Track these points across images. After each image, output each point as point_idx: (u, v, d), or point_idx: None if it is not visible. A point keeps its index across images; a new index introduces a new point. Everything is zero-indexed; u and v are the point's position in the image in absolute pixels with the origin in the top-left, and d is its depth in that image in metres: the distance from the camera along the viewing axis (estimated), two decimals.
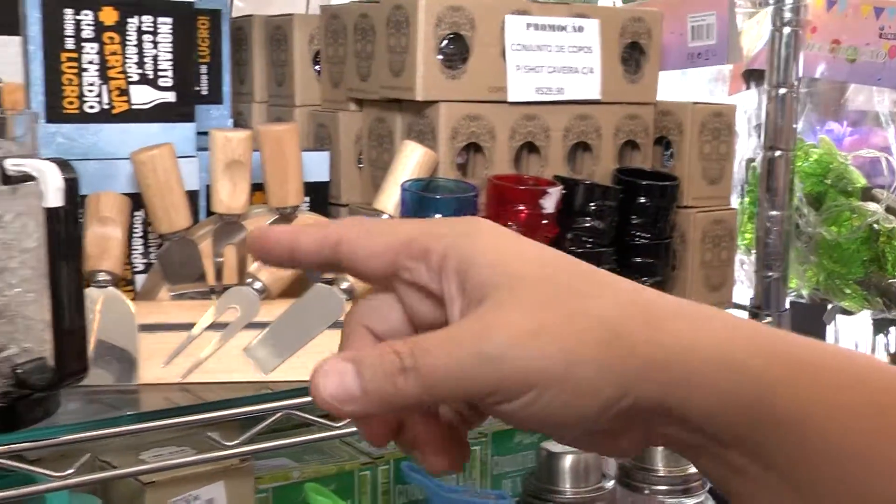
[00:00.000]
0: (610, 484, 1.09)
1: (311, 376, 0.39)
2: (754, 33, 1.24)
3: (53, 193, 0.68)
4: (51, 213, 0.68)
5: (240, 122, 1.21)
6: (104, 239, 0.85)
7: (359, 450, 1.05)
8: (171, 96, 0.93)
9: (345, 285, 0.87)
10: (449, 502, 1.01)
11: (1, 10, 0.83)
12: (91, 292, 0.82)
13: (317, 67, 1.15)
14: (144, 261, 0.93)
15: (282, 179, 0.90)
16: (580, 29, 1.03)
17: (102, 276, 0.84)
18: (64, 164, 0.68)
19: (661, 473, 1.10)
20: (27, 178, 0.69)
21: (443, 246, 0.41)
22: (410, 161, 0.95)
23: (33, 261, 0.72)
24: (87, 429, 0.73)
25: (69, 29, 0.87)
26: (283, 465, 0.99)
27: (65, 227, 0.68)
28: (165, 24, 0.91)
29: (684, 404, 0.39)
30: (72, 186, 0.68)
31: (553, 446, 1.07)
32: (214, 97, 1.13)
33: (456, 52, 0.98)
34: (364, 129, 1.07)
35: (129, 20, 0.89)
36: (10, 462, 0.70)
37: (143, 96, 0.91)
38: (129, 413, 0.77)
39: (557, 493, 1.06)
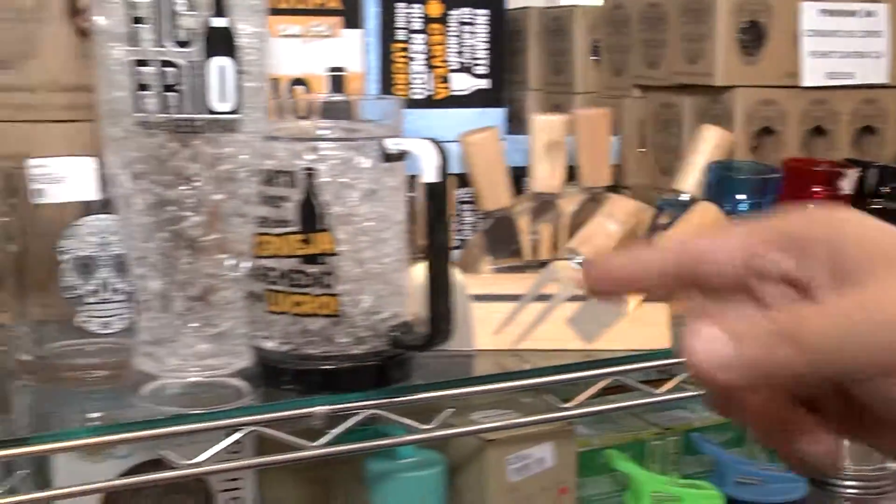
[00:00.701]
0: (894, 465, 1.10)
1: (683, 341, 0.37)
2: None
3: (431, 170, 0.74)
4: (428, 188, 0.74)
5: (514, 109, 1.26)
6: None
7: (647, 420, 1.10)
8: (485, 83, 0.99)
9: None
10: (740, 473, 1.04)
11: (348, 6, 0.91)
12: None
13: (593, 57, 1.20)
14: (458, 237, 0.99)
15: (595, 161, 0.95)
16: (870, 14, 1.05)
17: None
18: (438, 144, 0.74)
19: None
20: (400, 156, 0.76)
21: (810, 233, 0.39)
22: (709, 144, 0.98)
23: (402, 232, 0.79)
24: (443, 388, 0.80)
25: (400, 21, 0.94)
26: (582, 432, 1.04)
27: (439, 201, 0.75)
28: (482, 16, 0.98)
29: None
30: (444, 164, 0.74)
31: None
32: None
33: (750, 38, 1.01)
34: (648, 114, 1.12)
35: (452, 12, 0.96)
36: (385, 413, 0.76)
37: (461, 83, 0.98)
38: (479, 375, 0.83)
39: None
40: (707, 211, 0.93)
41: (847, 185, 0.98)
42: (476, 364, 0.88)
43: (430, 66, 0.96)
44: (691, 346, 0.37)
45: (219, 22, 0.65)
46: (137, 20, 0.64)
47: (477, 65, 0.98)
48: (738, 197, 0.96)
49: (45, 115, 0.88)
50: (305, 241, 0.74)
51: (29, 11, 0.86)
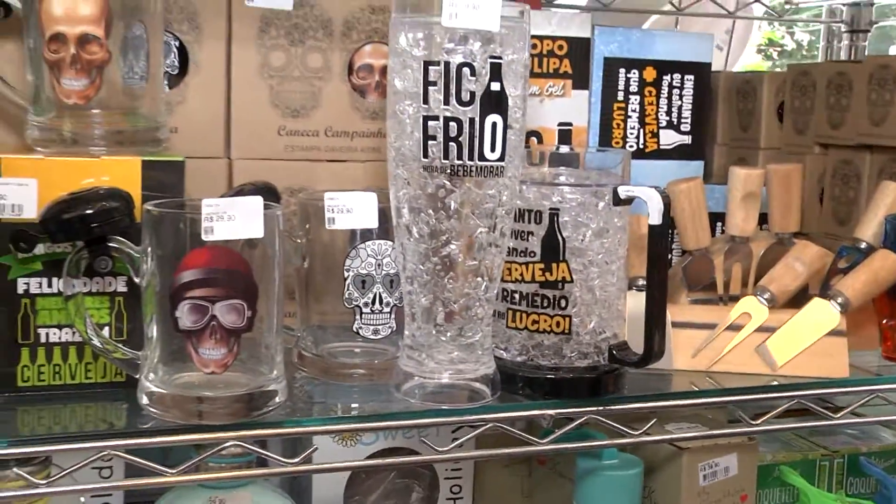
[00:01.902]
0: None
1: None
2: None
3: (656, 213, 0.79)
4: (653, 229, 0.79)
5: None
6: (641, 249, 0.96)
7: (815, 443, 1.12)
8: (687, 139, 1.04)
9: (840, 300, 0.94)
10: None
11: (578, 71, 0.97)
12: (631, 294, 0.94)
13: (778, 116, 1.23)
14: None
15: (785, 210, 0.99)
16: None
17: (640, 282, 0.96)
18: (662, 192, 0.79)
19: None
20: (629, 200, 0.82)
21: None
22: (889, 198, 1.01)
23: (624, 265, 0.84)
24: (651, 400, 0.85)
25: (621, 84, 1.00)
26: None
27: (661, 241, 0.80)
28: (689, 81, 1.03)
29: None
30: (667, 209, 0.80)
31: None
32: None
33: None
34: (828, 169, 1.14)
35: (664, 77, 1.01)
36: (601, 418, 0.82)
37: (667, 138, 1.03)
38: (683, 391, 0.87)
39: None
40: (886, 258, 0.95)
41: None
42: (674, 382, 0.93)
43: (643, 123, 1.02)
44: None
45: (494, 86, 0.72)
46: (430, 84, 0.72)
47: (682, 122, 1.03)
48: None
49: (323, 156, 0.97)
50: (546, 270, 0.80)
51: (316, 71, 0.95)
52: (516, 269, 0.81)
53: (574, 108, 0.99)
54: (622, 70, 0.99)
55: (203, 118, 0.93)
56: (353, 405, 0.82)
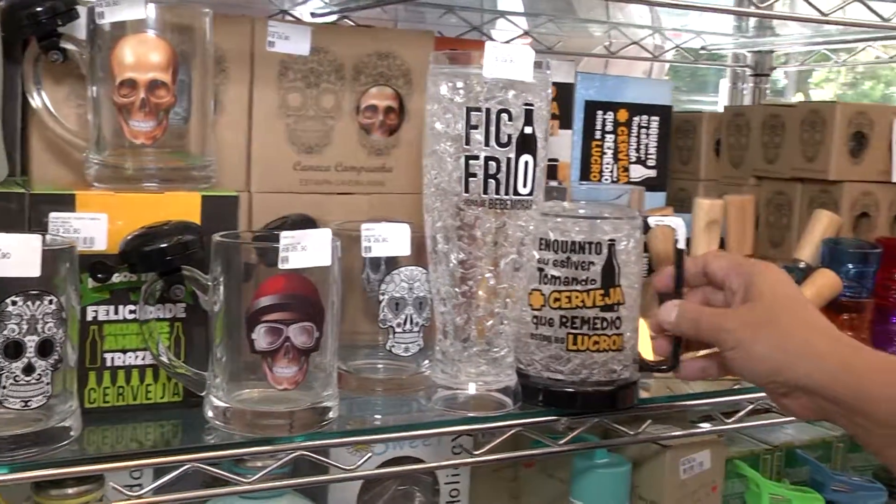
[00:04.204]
0: None
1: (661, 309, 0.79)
2: None
3: (682, 239, 0.85)
4: (677, 253, 0.84)
5: None
6: None
7: (757, 439, 1.20)
8: (653, 173, 1.11)
9: None
10: (836, 482, 1.14)
11: (563, 112, 1.04)
12: None
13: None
14: None
15: (740, 236, 1.07)
16: None
17: None
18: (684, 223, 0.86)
19: None
20: (648, 227, 0.87)
21: (746, 271, 0.74)
22: (823, 224, 1.10)
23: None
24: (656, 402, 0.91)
25: (598, 125, 1.07)
26: None
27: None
28: (654, 121, 1.10)
29: (818, 386, 0.67)
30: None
31: None
32: None
33: (855, 144, 1.14)
34: (762, 199, 1.24)
35: (634, 118, 1.09)
36: (609, 423, 0.88)
37: (636, 172, 1.10)
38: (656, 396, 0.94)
39: None
40: (826, 276, 1.04)
41: None
42: (652, 388, 0.99)
43: (616, 159, 1.09)
44: (661, 311, 0.79)
45: (528, 129, 0.78)
46: (472, 127, 0.77)
47: (648, 158, 1.11)
48: (848, 266, 1.07)
49: (334, 189, 1.00)
50: (605, 295, 0.83)
51: (329, 111, 0.99)
52: (577, 297, 0.82)
53: (561, 145, 1.05)
54: (600, 112, 1.06)
55: (227, 155, 0.95)
56: (376, 416, 0.85)
